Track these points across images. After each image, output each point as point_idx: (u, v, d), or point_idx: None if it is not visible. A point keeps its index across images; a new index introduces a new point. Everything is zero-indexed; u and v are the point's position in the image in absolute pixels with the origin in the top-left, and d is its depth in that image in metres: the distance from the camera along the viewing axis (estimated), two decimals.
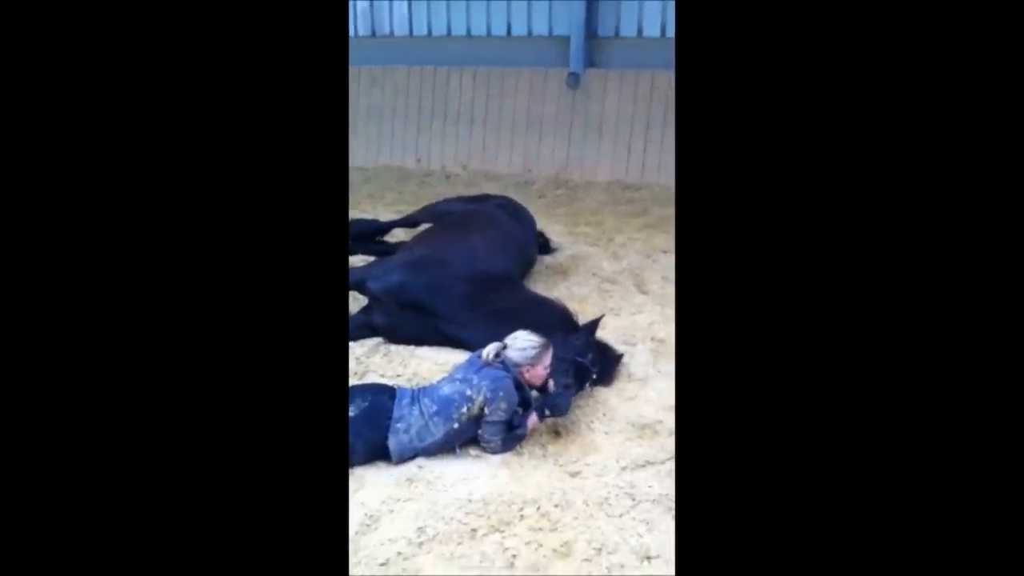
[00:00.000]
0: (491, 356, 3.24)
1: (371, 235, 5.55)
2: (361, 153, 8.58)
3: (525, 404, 3.28)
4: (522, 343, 3.33)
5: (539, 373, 3.34)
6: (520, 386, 3.25)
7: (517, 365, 3.29)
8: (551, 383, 3.40)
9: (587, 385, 3.57)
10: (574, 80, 7.80)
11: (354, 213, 6.53)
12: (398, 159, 8.54)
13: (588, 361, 3.54)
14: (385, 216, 6.18)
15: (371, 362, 4.04)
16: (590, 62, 7.88)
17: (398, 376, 3.89)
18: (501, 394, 3.15)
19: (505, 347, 3.32)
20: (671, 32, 7.38)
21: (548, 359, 3.37)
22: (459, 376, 3.27)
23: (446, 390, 3.21)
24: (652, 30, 7.70)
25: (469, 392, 3.16)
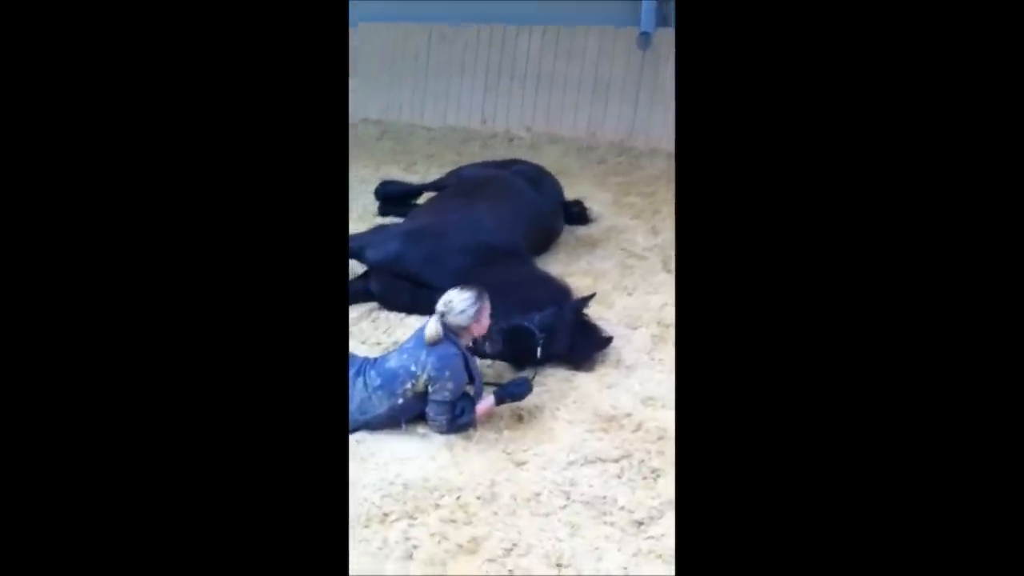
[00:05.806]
0: (435, 334, 3.08)
1: (401, 197, 5.49)
2: (428, 113, 8.50)
3: (471, 379, 3.14)
4: (458, 306, 3.10)
5: (484, 324, 3.18)
6: (468, 363, 3.11)
7: (462, 327, 3.11)
8: (487, 345, 3.32)
9: (536, 354, 3.41)
10: (645, 40, 7.36)
11: (407, 175, 6.50)
12: (464, 119, 8.38)
13: (534, 324, 3.36)
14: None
15: (356, 328, 3.98)
16: (662, 21, 7.41)
17: (378, 344, 3.83)
18: (447, 373, 3.00)
19: (443, 316, 3.11)
20: None
21: (488, 307, 3.17)
22: (409, 347, 3.15)
23: (392, 363, 3.10)
24: None
25: (414, 368, 3.03)
